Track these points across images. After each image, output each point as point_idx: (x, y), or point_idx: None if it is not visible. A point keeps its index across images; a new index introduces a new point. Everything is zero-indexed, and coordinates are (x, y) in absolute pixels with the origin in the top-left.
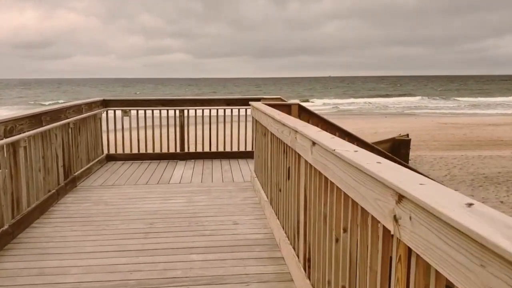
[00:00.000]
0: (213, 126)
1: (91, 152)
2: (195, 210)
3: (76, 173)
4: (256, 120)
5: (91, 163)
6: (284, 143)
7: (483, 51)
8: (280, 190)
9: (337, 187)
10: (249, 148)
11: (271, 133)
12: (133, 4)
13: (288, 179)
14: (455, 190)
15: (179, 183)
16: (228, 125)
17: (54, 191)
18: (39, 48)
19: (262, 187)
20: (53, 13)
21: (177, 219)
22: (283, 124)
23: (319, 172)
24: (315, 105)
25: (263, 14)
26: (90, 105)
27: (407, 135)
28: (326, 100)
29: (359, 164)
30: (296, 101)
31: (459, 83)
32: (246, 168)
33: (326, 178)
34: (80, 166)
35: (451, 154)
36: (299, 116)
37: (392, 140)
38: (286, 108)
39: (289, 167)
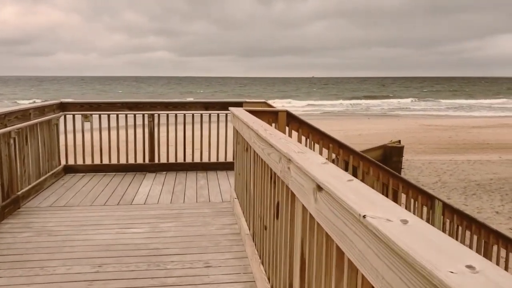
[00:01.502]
0: (189, 133)
1: (44, 164)
2: (158, 245)
3: (20, 192)
4: (237, 130)
5: (43, 178)
6: (271, 169)
7: (465, 52)
8: (266, 228)
9: (363, 274)
10: (229, 158)
11: (254, 151)
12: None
13: (277, 218)
14: (448, 198)
15: (144, 203)
16: (205, 132)
17: None
18: (19, 44)
19: (243, 213)
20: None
21: (134, 258)
22: (271, 145)
23: (328, 235)
24: (298, 106)
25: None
26: (42, 110)
27: (399, 141)
28: (310, 101)
29: (429, 272)
30: (280, 106)
31: (442, 85)
32: (225, 183)
33: (341, 251)
34: (27, 182)
35: (439, 159)
36: (288, 125)
37: (383, 147)
38: (272, 116)
39: (278, 202)
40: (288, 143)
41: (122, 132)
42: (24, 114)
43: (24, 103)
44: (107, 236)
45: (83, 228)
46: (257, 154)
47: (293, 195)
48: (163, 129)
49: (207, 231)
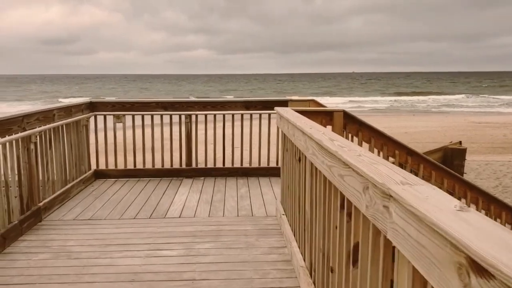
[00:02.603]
0: (228, 135)
1: (71, 170)
2: (194, 274)
3: (42, 203)
4: (284, 134)
5: (69, 185)
6: (345, 197)
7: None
8: (332, 271)
9: None
10: (272, 163)
11: (312, 164)
12: None
13: (354, 265)
14: None
15: (179, 216)
16: (246, 134)
17: None
18: (64, 44)
19: (295, 236)
20: (78, 9)
21: None
22: (346, 164)
23: None
24: (339, 103)
25: (288, 8)
26: (69, 110)
27: (460, 142)
28: (351, 98)
29: None
30: (334, 105)
31: (491, 80)
32: (269, 193)
33: None
34: (51, 191)
35: (496, 159)
36: (345, 127)
37: (443, 149)
38: (326, 117)
39: (357, 244)
40: (375, 163)
41: (157, 134)
42: (46, 116)
43: (66, 101)
44: (135, 261)
45: (108, 248)
46: (317, 170)
47: (387, 242)
48: (201, 131)
49: (251, 257)
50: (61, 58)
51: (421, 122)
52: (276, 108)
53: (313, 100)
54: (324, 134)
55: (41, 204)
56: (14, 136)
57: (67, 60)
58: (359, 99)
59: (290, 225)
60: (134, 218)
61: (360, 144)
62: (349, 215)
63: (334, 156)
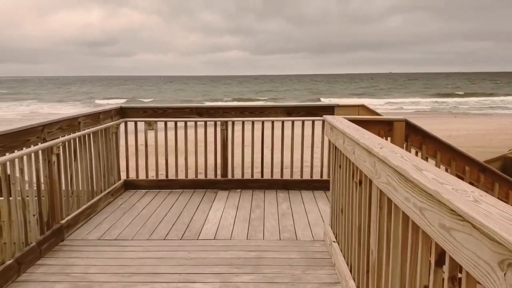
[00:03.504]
0: (267, 144)
1: (99, 182)
2: None
3: (65, 220)
4: (335, 146)
5: (96, 198)
6: (448, 255)
7: None
8: None
9: None
10: (316, 175)
11: (383, 193)
12: (195, 1)
13: None
14: None
15: (214, 238)
16: (287, 142)
17: (10, 261)
18: (103, 46)
19: (352, 274)
20: (118, 12)
21: None
22: (476, 227)
23: None
24: (377, 105)
25: (324, 9)
26: (96, 117)
27: None
28: (389, 99)
29: None
30: (384, 110)
31: None
32: (313, 210)
33: None
34: (76, 206)
35: None
36: (406, 139)
37: (503, 159)
38: (385, 127)
39: None
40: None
41: (190, 143)
42: (70, 124)
43: (103, 103)
44: None
45: (133, 279)
46: (392, 203)
47: None
48: (237, 139)
49: None
50: (100, 60)
51: (464, 125)
52: (325, 116)
53: (363, 106)
54: (404, 158)
55: (63, 221)
56: (32, 148)
57: (106, 62)
58: (397, 100)
59: (344, 258)
60: (164, 239)
61: (424, 159)
62: (453, 281)
63: (432, 198)
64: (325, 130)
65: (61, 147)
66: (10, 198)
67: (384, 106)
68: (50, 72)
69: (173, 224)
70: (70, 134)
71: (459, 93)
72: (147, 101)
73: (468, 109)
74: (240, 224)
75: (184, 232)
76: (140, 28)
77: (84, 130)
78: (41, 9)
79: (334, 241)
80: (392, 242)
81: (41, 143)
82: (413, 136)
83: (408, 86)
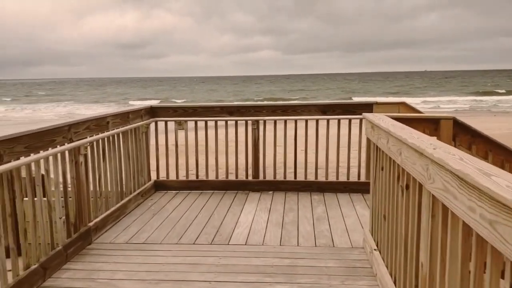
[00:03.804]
0: (300, 143)
1: (129, 183)
2: None
3: (93, 223)
4: (377, 146)
5: (126, 199)
6: None
7: None
8: None
9: None
10: (353, 177)
11: (437, 200)
12: (227, 2)
13: None
14: None
15: (245, 243)
16: (321, 142)
17: (36, 266)
18: (136, 48)
19: (396, 287)
20: (151, 14)
21: None
22: None
23: None
24: (412, 104)
25: (357, 7)
26: (125, 117)
27: None
28: (426, 98)
29: None
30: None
31: None
32: (351, 214)
33: None
34: (105, 208)
35: None
36: (454, 139)
37: None
38: (430, 125)
39: None
40: None
41: (220, 142)
42: (98, 124)
43: (137, 104)
44: None
45: (161, 286)
46: (449, 212)
47: None
48: (269, 138)
49: None
50: (135, 62)
51: (505, 124)
52: (365, 114)
53: (403, 103)
54: (465, 161)
55: (91, 224)
56: (58, 149)
57: (140, 63)
58: (434, 99)
59: (387, 268)
60: (193, 243)
61: None
62: None
63: (509, 210)
64: (364, 129)
65: (88, 147)
66: (35, 199)
67: (420, 105)
68: (87, 74)
69: (203, 228)
70: (98, 134)
71: (499, 91)
72: (179, 102)
73: (509, 107)
74: (272, 228)
75: (215, 236)
76: (173, 30)
77: (113, 130)
78: (78, 13)
79: (375, 249)
80: (448, 256)
81: (68, 143)
82: (462, 136)
83: (444, 84)
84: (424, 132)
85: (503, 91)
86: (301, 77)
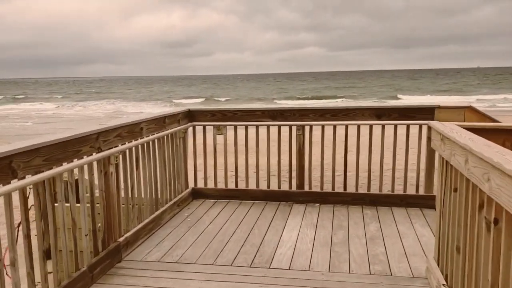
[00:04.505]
0: (352, 151)
1: (165, 192)
2: None
3: (123, 238)
4: (447, 163)
5: (161, 210)
6: None
7: None
8: None
9: None
10: (410, 189)
11: None
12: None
13: None
14: None
15: (289, 268)
16: (375, 150)
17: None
18: (183, 46)
19: None
20: (197, 13)
21: None
22: None
23: None
24: (467, 102)
25: (405, 1)
26: (161, 122)
27: None
28: (479, 96)
29: None
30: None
31: None
32: (409, 234)
33: None
34: (138, 220)
35: None
36: None
37: None
38: (510, 137)
39: None
40: None
41: (262, 149)
42: (131, 130)
43: (182, 102)
44: None
45: None
46: None
47: None
48: (316, 145)
49: None
50: (181, 60)
51: None
52: (432, 123)
53: (470, 108)
54: None
55: (121, 239)
56: (85, 160)
57: (186, 62)
58: (488, 97)
59: None
60: (231, 265)
61: None
62: None
63: None
64: (432, 141)
65: (120, 156)
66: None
67: (473, 104)
68: (135, 72)
69: (242, 246)
70: (131, 141)
71: None
72: (223, 100)
73: None
74: (320, 249)
75: (254, 257)
76: (218, 28)
77: (148, 136)
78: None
79: (444, 285)
80: None
81: (96, 153)
82: None
83: (500, 81)
84: (504, 145)
85: None
86: (347, 74)
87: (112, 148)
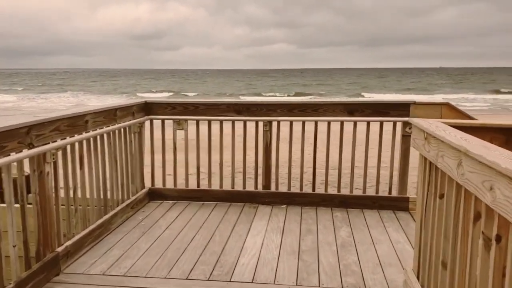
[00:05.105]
0: (321, 149)
1: (116, 193)
2: None
3: (63, 247)
4: (433, 165)
5: (111, 213)
6: None
7: None
8: None
9: None
10: (383, 191)
11: None
12: None
13: None
14: None
15: (252, 281)
16: (347, 148)
17: None
18: (150, 39)
19: None
20: (165, 6)
21: None
22: None
23: None
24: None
25: (374, 1)
26: (111, 115)
27: None
28: (440, 95)
29: None
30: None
31: None
32: (383, 240)
33: None
34: (82, 226)
35: None
36: None
37: None
38: (499, 136)
39: None
40: None
41: (226, 146)
42: (73, 124)
43: (146, 96)
44: None
45: None
46: None
47: None
48: (284, 142)
49: None
50: (149, 53)
51: None
52: (413, 120)
53: (447, 104)
54: None
55: (60, 249)
56: (9, 158)
57: (154, 55)
58: (452, 96)
59: None
60: (186, 278)
61: None
62: None
63: None
64: (413, 140)
65: (59, 153)
66: None
67: (435, 100)
68: (101, 65)
69: (201, 255)
70: (73, 136)
71: None
72: (192, 95)
73: None
74: (286, 258)
75: (214, 268)
76: (187, 22)
77: (95, 130)
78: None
79: None
80: None
81: (28, 149)
82: None
83: (462, 81)
84: (490, 142)
85: None
86: (316, 71)
87: (48, 144)
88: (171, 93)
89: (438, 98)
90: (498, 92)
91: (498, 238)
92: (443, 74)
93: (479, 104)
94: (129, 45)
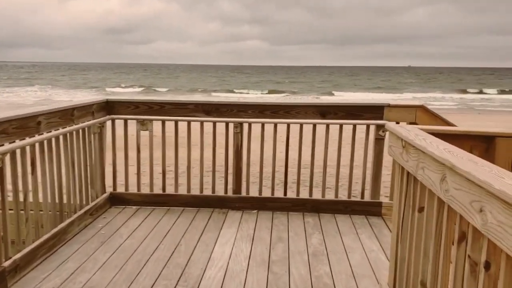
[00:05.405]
0: (293, 147)
1: (73, 199)
2: None
3: (10, 261)
4: (410, 175)
5: (66, 222)
6: None
7: None
8: None
9: None
10: (355, 195)
11: None
12: None
13: None
14: None
15: None
16: (319, 151)
17: None
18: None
19: None
20: None
21: None
22: None
23: None
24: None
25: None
26: (69, 114)
27: None
28: (409, 94)
29: None
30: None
31: None
32: (356, 248)
33: None
34: (33, 237)
35: None
36: None
37: None
38: (479, 144)
39: None
40: None
41: (194, 148)
42: (23, 126)
43: (116, 91)
44: None
45: None
46: None
47: None
48: (255, 142)
49: None
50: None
51: (491, 123)
52: (389, 125)
53: (422, 107)
54: None
55: (7, 263)
56: None
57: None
58: (417, 95)
59: None
60: None
61: None
62: None
63: None
64: (390, 147)
65: (7, 158)
66: None
67: (409, 102)
68: (71, 58)
69: (164, 267)
70: (24, 138)
71: (484, 89)
72: (163, 90)
73: (497, 106)
74: (256, 269)
75: (177, 282)
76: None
77: (50, 132)
78: None
79: None
80: None
81: None
82: None
83: (430, 80)
84: (470, 150)
85: (494, 90)
86: (289, 69)
87: None
88: (141, 88)
89: (408, 96)
90: (465, 91)
91: (488, 265)
92: (412, 73)
93: (447, 103)
94: (100, 39)
